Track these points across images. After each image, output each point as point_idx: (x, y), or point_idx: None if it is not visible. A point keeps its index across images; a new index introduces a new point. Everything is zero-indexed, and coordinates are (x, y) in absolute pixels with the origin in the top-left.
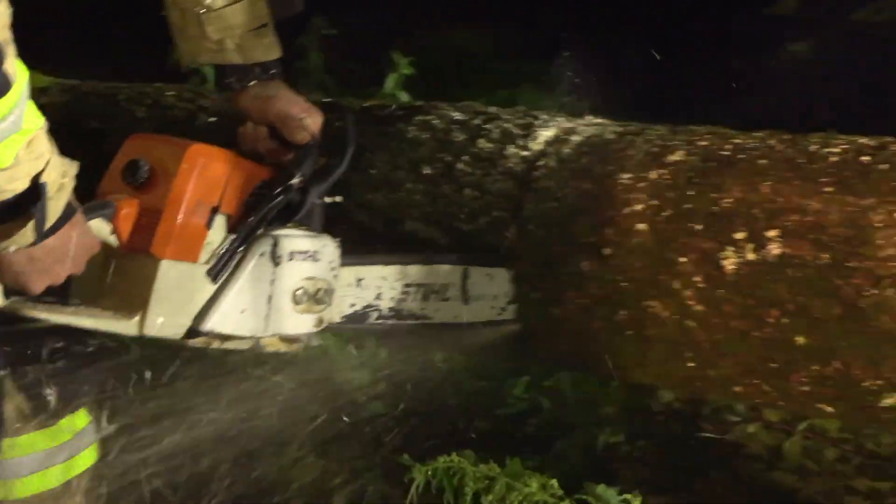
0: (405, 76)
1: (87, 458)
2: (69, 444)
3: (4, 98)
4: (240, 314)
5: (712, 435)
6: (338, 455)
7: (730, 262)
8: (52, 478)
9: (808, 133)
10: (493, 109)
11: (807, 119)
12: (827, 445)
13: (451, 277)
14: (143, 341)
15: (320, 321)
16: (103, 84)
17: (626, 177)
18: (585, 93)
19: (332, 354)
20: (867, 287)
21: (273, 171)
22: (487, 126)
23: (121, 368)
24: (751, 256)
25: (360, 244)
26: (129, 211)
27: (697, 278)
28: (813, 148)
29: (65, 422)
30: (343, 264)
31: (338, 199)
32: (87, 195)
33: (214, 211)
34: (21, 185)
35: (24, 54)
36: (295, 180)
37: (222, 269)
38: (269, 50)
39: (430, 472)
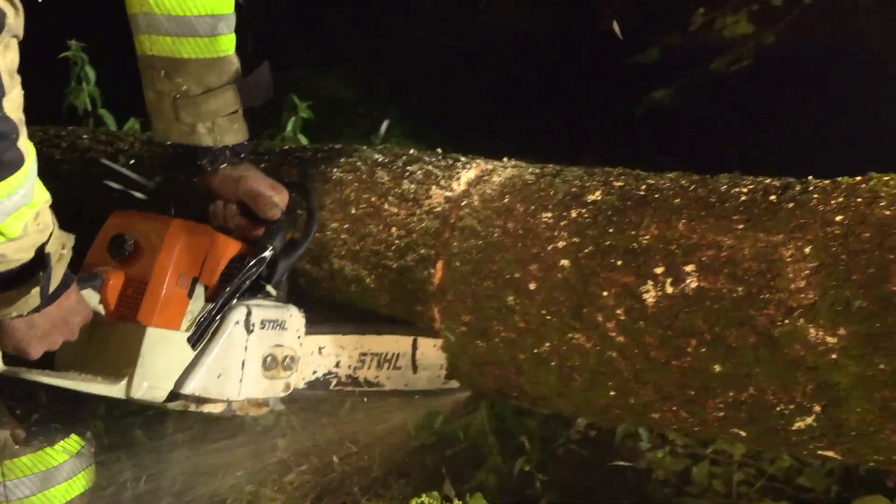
0: (303, 119)
1: (85, 478)
2: (67, 465)
3: (18, 173)
4: (216, 378)
5: (624, 462)
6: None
7: (650, 296)
8: (55, 498)
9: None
10: (413, 152)
11: (664, 161)
12: (734, 469)
13: (401, 347)
14: None
15: (287, 386)
16: None
17: (547, 216)
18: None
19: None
20: (780, 317)
21: (245, 244)
22: (411, 167)
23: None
24: (669, 290)
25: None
26: (115, 282)
27: (619, 311)
28: (723, 188)
29: (61, 444)
30: (307, 333)
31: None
32: None
33: (195, 282)
34: (27, 255)
35: None
36: (267, 253)
37: (201, 337)
38: (238, 134)
39: None
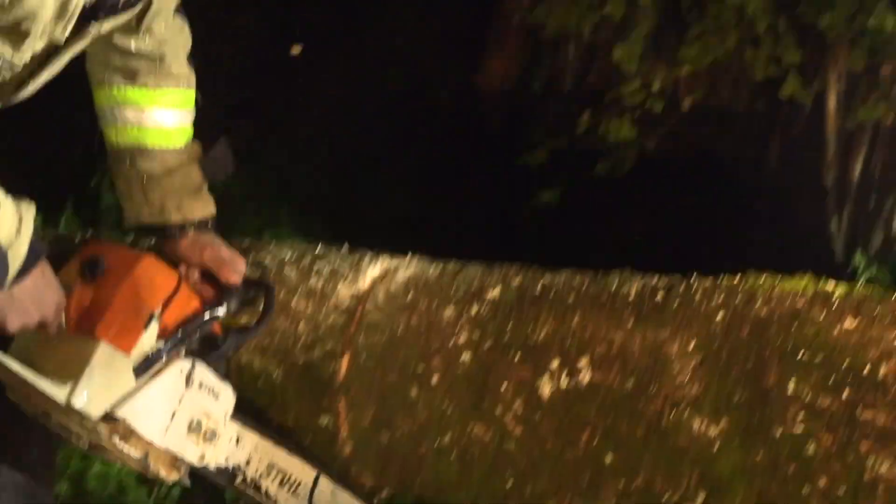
0: None
1: None
2: None
3: None
4: (148, 414)
5: None
6: None
7: (546, 388)
8: None
9: (607, 272)
10: (320, 249)
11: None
12: None
13: (305, 476)
14: None
15: (202, 457)
16: None
17: (449, 311)
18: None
19: None
20: (667, 409)
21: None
22: (318, 264)
23: None
24: (564, 383)
25: None
26: (82, 297)
27: (517, 403)
28: (613, 286)
29: None
30: (232, 417)
31: None
32: None
33: (152, 317)
34: None
35: None
36: (221, 311)
37: (146, 370)
38: (205, 208)
39: None
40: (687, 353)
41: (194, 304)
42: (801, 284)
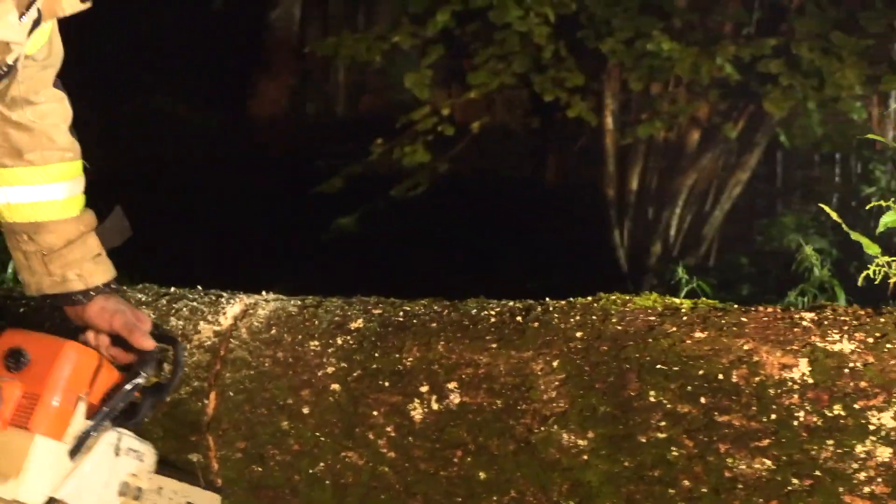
0: None
1: None
2: None
3: None
4: (86, 491)
5: None
6: None
7: (417, 413)
8: None
9: (461, 300)
10: (174, 289)
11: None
12: None
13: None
14: None
15: None
16: None
17: (315, 344)
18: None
19: None
20: (535, 425)
21: (122, 373)
22: (176, 305)
23: None
24: (435, 406)
25: None
26: (12, 393)
27: (389, 428)
28: (473, 311)
29: None
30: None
31: None
32: None
33: (79, 399)
34: None
35: None
36: (141, 380)
37: (79, 450)
38: (106, 273)
39: None
40: (551, 371)
41: (115, 376)
42: (650, 300)
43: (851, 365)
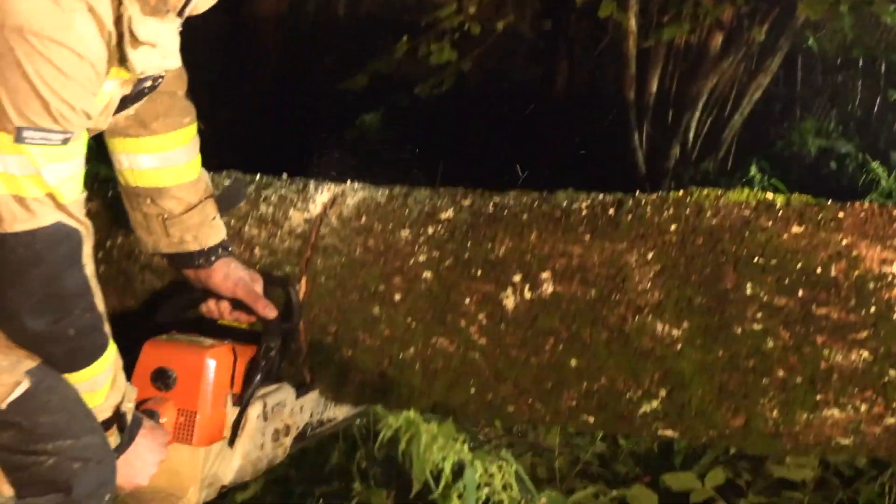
0: None
1: None
2: None
3: (105, 355)
4: (246, 464)
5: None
6: None
7: (509, 301)
8: None
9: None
10: (262, 177)
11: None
12: (554, 456)
13: None
14: None
15: (286, 449)
16: None
17: (406, 233)
18: None
19: None
20: (630, 315)
21: (252, 343)
22: (265, 192)
23: None
24: (528, 295)
25: None
26: (169, 415)
27: (481, 316)
28: (564, 203)
29: None
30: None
31: None
32: None
33: (227, 395)
34: (107, 414)
35: None
36: (272, 353)
37: (235, 436)
38: (219, 234)
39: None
40: (646, 263)
41: (248, 354)
42: (744, 195)
43: None
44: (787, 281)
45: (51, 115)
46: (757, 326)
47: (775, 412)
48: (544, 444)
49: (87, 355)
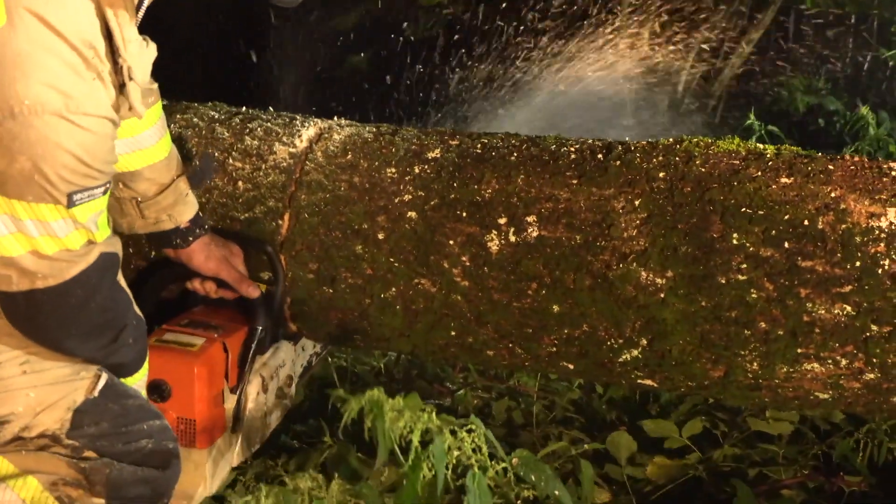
0: None
1: None
2: None
3: (144, 365)
4: (254, 436)
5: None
6: None
7: (494, 244)
8: None
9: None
10: (247, 110)
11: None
12: (532, 401)
13: None
14: None
15: (291, 398)
16: None
17: (391, 171)
18: None
19: None
20: (614, 262)
21: (244, 322)
22: (250, 125)
23: None
24: (512, 238)
25: None
26: (169, 423)
27: (464, 258)
28: (552, 147)
29: None
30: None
31: None
32: None
33: (223, 391)
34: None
35: None
36: (261, 334)
37: (238, 422)
38: (192, 208)
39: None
40: (633, 210)
41: (239, 341)
42: (734, 144)
43: None
44: (773, 232)
45: (94, 176)
46: (741, 277)
47: (755, 364)
48: (522, 389)
49: (142, 354)
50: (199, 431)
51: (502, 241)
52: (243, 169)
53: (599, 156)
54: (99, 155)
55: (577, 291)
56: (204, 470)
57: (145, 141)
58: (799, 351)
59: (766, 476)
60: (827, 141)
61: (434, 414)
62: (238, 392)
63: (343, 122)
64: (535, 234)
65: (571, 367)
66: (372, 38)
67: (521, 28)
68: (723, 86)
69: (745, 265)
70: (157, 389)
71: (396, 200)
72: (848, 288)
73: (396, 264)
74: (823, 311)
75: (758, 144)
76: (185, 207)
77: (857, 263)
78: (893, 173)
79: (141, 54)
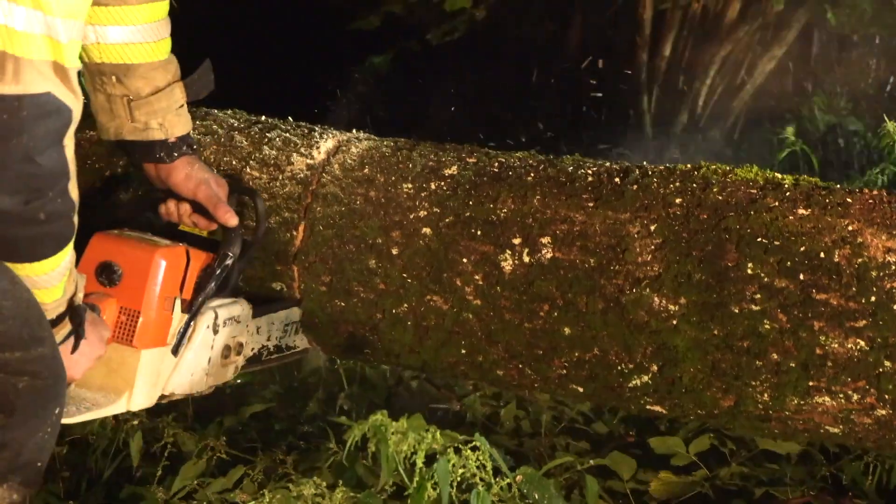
0: None
1: None
2: None
3: (69, 244)
4: (190, 377)
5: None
6: None
7: (507, 264)
8: None
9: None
10: (267, 119)
11: (389, 123)
12: (542, 410)
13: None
14: None
15: (237, 368)
16: None
17: (408, 186)
18: None
19: None
20: (627, 287)
21: (209, 251)
22: (269, 134)
23: None
24: (526, 259)
25: None
26: (111, 311)
27: (477, 276)
28: (570, 168)
29: None
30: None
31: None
32: None
33: (175, 301)
34: (62, 308)
35: None
36: (230, 261)
37: (180, 344)
38: (185, 125)
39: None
40: (648, 234)
41: (202, 259)
42: (752, 173)
43: None
44: (788, 263)
45: None
46: (755, 307)
47: (766, 395)
48: (531, 398)
49: (53, 244)
50: (140, 328)
51: (516, 262)
52: (260, 178)
53: (616, 179)
54: None
55: (589, 314)
56: (134, 374)
57: (147, 33)
58: (810, 384)
59: (773, 496)
60: (846, 161)
61: (438, 434)
62: (190, 313)
63: (361, 134)
64: (549, 255)
65: (581, 390)
66: (394, 39)
67: None
68: (743, 102)
69: (758, 295)
70: (107, 271)
71: (412, 216)
72: (862, 322)
73: (409, 280)
74: (836, 345)
75: (776, 174)
76: (177, 119)
77: (873, 298)
78: None
79: None
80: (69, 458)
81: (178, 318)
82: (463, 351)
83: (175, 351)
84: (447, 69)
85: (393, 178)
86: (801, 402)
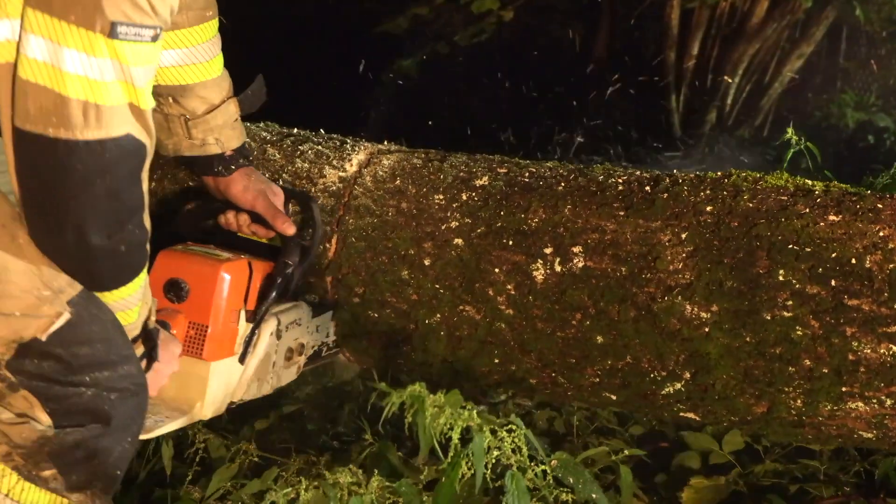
0: None
1: None
2: None
3: (143, 272)
4: (256, 382)
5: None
6: None
7: (539, 273)
8: None
9: (588, 165)
10: (299, 132)
11: (418, 126)
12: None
13: None
14: None
15: (299, 368)
16: None
17: (439, 198)
18: None
19: None
20: (659, 295)
21: (270, 259)
22: (301, 147)
23: None
24: (558, 268)
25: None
26: (180, 327)
27: (510, 286)
28: (600, 177)
29: None
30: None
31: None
32: None
33: (240, 313)
34: (136, 332)
35: None
36: (290, 270)
37: (246, 353)
38: (241, 137)
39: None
40: (679, 243)
41: (264, 270)
42: (782, 180)
43: None
44: (820, 269)
45: (143, 9)
46: (787, 314)
47: (799, 401)
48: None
49: (130, 271)
50: (209, 341)
51: (548, 271)
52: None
53: (647, 188)
54: None
55: (621, 323)
56: (205, 386)
57: (199, 55)
58: (843, 389)
59: (807, 492)
60: (876, 158)
61: (475, 412)
62: (255, 322)
63: (392, 146)
64: (580, 264)
65: (614, 397)
66: (422, 42)
67: None
68: (772, 100)
69: (790, 302)
70: (175, 288)
71: (443, 227)
72: (894, 328)
73: (442, 291)
74: (869, 351)
75: (806, 181)
76: (233, 133)
77: None
78: None
79: None
80: None
81: (244, 327)
82: (496, 360)
83: (242, 359)
84: (474, 71)
85: (424, 190)
86: (835, 408)
